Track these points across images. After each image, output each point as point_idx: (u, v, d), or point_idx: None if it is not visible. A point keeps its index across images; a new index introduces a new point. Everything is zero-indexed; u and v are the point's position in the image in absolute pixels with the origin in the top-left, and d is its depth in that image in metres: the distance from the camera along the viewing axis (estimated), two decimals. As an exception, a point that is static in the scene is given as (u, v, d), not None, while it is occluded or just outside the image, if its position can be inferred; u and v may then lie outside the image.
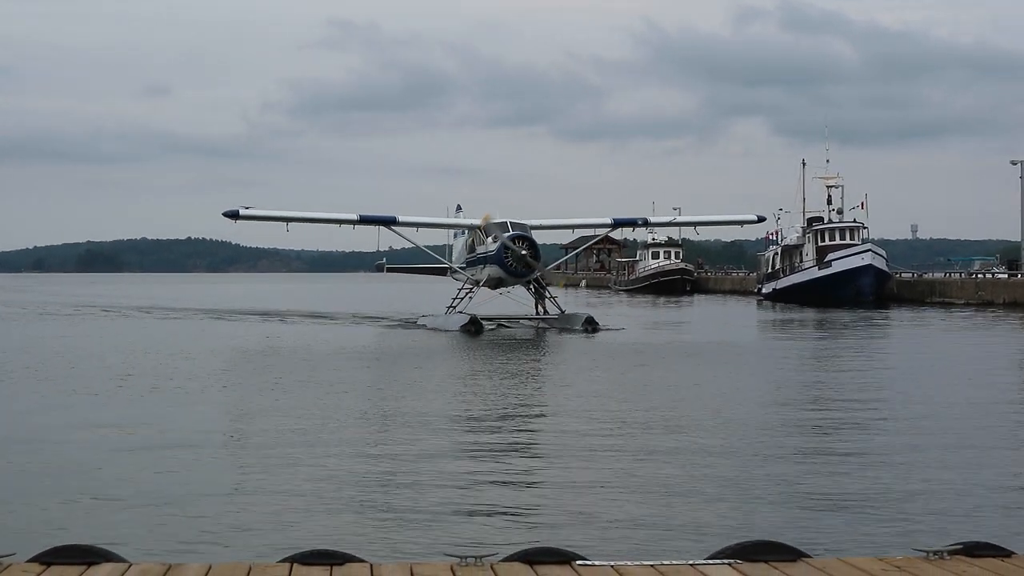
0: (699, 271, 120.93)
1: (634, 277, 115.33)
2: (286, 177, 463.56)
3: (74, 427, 18.51)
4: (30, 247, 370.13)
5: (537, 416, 19.90)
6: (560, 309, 48.79)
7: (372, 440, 16.89)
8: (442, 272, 56.68)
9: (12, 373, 27.76)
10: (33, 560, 6.59)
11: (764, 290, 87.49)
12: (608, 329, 45.36)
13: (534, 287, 49.80)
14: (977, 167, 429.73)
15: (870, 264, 73.44)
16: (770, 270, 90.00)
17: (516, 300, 49.13)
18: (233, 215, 47.55)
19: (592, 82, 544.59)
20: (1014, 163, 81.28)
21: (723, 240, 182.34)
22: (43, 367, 29.49)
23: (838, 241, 79.35)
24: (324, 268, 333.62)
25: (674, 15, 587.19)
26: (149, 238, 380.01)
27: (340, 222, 50.80)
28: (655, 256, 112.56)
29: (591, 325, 45.31)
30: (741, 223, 56.35)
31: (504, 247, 46.82)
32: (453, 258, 55.33)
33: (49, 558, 6.58)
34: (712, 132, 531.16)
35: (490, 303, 48.86)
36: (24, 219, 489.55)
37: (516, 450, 16.12)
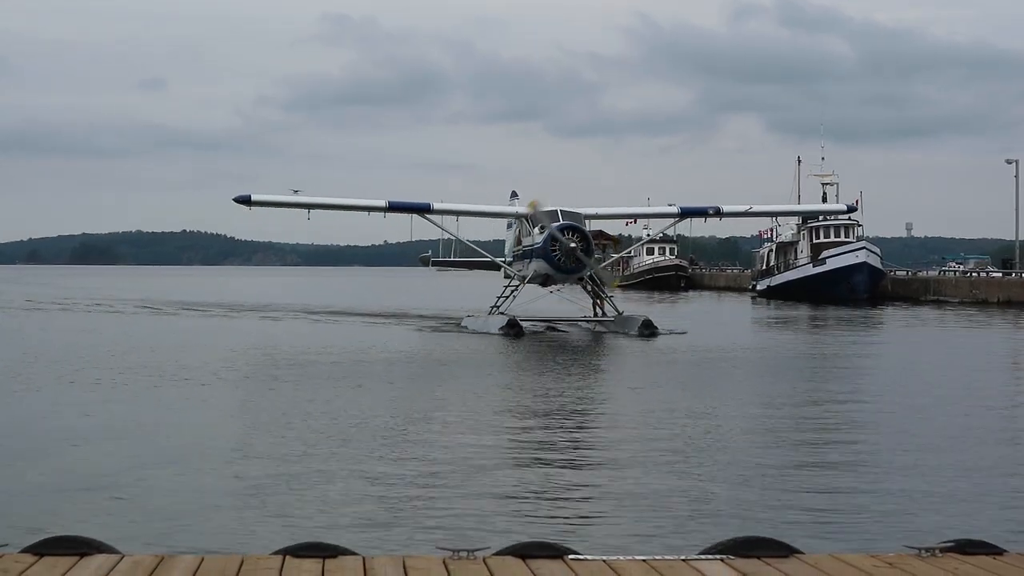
0: (692, 267, 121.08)
1: (628, 273, 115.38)
2: (281, 171, 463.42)
3: (73, 420, 18.50)
4: (25, 239, 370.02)
5: (535, 415, 19.87)
6: (617, 310, 44.06)
7: (366, 435, 16.88)
8: (496, 267, 51.21)
9: (33, 368, 27.70)
10: (26, 551, 6.59)
11: (759, 287, 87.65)
12: (670, 333, 40.90)
13: (589, 285, 45.08)
14: (972, 166, 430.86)
15: (864, 262, 73.51)
16: (765, 267, 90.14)
17: (570, 300, 45.11)
18: (245, 200, 43.94)
19: (587, 78, 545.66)
20: (1009, 162, 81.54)
21: (718, 237, 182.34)
22: (73, 365, 29.43)
23: (833, 239, 79.39)
24: (319, 262, 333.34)
25: (669, 11, 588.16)
26: (144, 231, 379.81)
27: (368, 209, 45.91)
28: (649, 252, 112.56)
29: (649, 329, 40.42)
30: (829, 214, 49.27)
31: (551, 239, 41.68)
32: (505, 251, 50.48)
33: (42, 549, 6.57)
34: (707, 129, 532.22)
35: (539, 303, 44.70)
36: (19, 211, 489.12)
37: (510, 446, 16.11)
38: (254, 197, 44.16)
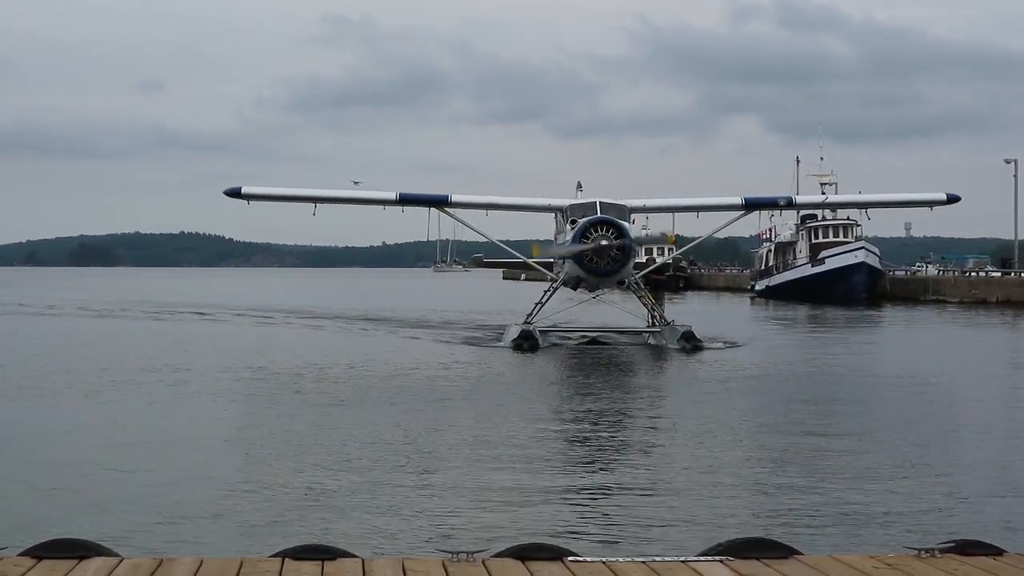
0: (691, 268, 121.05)
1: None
2: (280, 173, 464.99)
3: (72, 423, 18.50)
4: (23, 241, 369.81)
5: (533, 419, 19.83)
6: (666, 319, 37.20)
7: (365, 438, 16.87)
8: (548, 267, 43.18)
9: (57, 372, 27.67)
10: (24, 554, 6.58)
11: (757, 287, 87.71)
12: (716, 347, 34.81)
13: (640, 291, 38.53)
14: (972, 165, 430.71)
15: (863, 262, 73.52)
16: (763, 267, 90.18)
17: (616, 306, 38.17)
18: (234, 193, 39.07)
19: (587, 79, 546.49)
20: (1008, 162, 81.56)
21: (717, 237, 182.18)
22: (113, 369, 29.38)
23: (831, 239, 79.43)
24: (318, 263, 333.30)
25: (669, 12, 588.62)
26: (142, 232, 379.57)
27: (379, 202, 40.01)
28: (647, 252, 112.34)
29: (690, 342, 34.26)
30: (930, 204, 41.53)
31: (582, 236, 34.55)
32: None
33: (40, 552, 6.56)
34: (707, 130, 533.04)
35: (587, 310, 39.22)
36: (17, 213, 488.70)
37: (509, 447, 16.09)
38: (245, 189, 39.68)
